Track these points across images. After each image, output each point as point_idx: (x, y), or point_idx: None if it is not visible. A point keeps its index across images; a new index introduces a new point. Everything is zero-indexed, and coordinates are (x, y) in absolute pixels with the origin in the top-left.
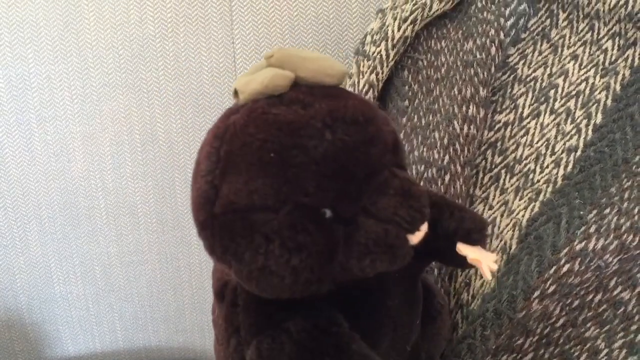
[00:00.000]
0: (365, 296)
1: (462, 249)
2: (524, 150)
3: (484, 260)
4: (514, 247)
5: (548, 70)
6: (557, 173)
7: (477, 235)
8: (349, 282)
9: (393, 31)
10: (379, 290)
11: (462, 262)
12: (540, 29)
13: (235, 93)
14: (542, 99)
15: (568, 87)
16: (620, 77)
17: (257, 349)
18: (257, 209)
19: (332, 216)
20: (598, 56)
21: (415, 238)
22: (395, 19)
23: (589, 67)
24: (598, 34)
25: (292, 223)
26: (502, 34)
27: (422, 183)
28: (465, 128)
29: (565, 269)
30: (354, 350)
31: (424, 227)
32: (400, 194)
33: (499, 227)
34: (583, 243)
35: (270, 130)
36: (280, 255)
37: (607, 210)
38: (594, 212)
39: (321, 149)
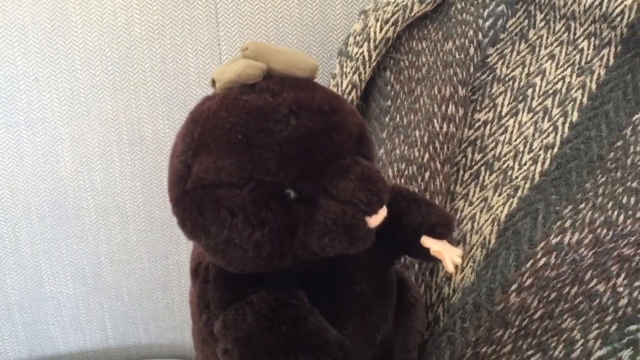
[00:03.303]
0: (330, 278)
1: (426, 241)
2: (502, 148)
3: (446, 253)
4: (492, 241)
5: (526, 69)
6: (534, 170)
7: (442, 229)
8: (314, 262)
9: (375, 32)
10: (344, 273)
11: (427, 255)
12: (518, 29)
13: (213, 82)
14: (520, 97)
15: (545, 86)
16: (595, 76)
17: (222, 321)
18: (224, 185)
19: (295, 197)
20: (574, 56)
21: (373, 221)
22: (377, 20)
23: (565, 67)
24: (574, 34)
25: (255, 199)
26: (480, 35)
27: (402, 180)
28: (445, 126)
29: (541, 262)
30: (311, 322)
31: (383, 212)
32: (360, 178)
33: (478, 223)
34: (559, 237)
35: (239, 115)
36: (243, 229)
37: (582, 205)
38: (570, 207)
39: (285, 133)
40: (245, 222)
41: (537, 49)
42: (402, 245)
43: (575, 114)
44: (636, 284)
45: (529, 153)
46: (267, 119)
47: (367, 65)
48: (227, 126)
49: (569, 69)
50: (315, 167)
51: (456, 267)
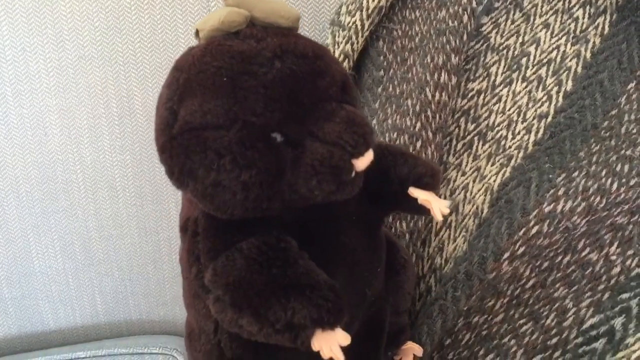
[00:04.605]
0: (318, 229)
1: (414, 191)
2: (496, 118)
3: (434, 203)
4: (485, 211)
5: (520, 38)
6: (528, 139)
7: (428, 179)
8: (302, 210)
9: (368, 1)
10: (332, 225)
11: (415, 207)
12: None
13: (197, 33)
14: (515, 67)
15: (540, 55)
16: (590, 44)
17: (212, 269)
18: (210, 128)
19: (282, 140)
20: (569, 24)
21: (360, 163)
22: None
23: (560, 36)
24: (569, 2)
25: (242, 140)
26: (474, 2)
27: None
28: (437, 95)
29: (534, 230)
30: (301, 264)
31: (369, 155)
32: (346, 121)
33: (471, 193)
34: (552, 205)
35: (224, 59)
36: (231, 170)
37: (576, 174)
38: (563, 175)
39: (270, 75)
40: (233, 163)
41: (531, 18)
42: (391, 199)
43: (570, 83)
44: (629, 252)
45: (522, 122)
46: (251, 62)
47: (360, 34)
48: (212, 70)
49: (564, 38)
50: (301, 109)
51: (444, 217)
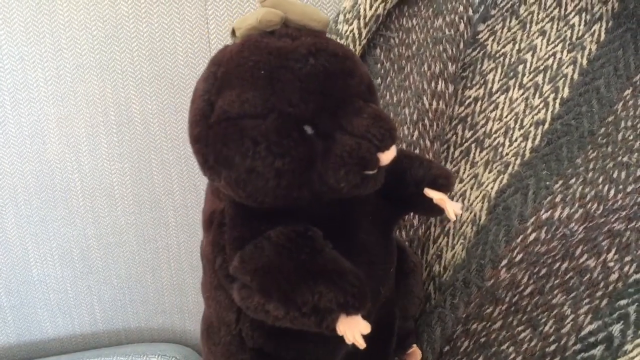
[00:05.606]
0: (340, 224)
1: (429, 192)
2: (493, 125)
3: (448, 203)
4: (483, 218)
5: (517, 46)
6: (525, 146)
7: (443, 180)
8: (326, 205)
9: (365, 9)
10: (353, 221)
11: (430, 206)
12: (509, 5)
13: (233, 32)
14: (511, 74)
15: (536, 62)
16: (586, 51)
17: (240, 257)
18: (247, 117)
19: (313, 133)
20: (565, 31)
21: (385, 157)
22: None
23: (556, 43)
24: (565, 9)
25: (277, 128)
26: (470, 11)
27: None
28: (434, 103)
29: (532, 237)
30: (327, 252)
31: (393, 150)
32: (373, 117)
33: (469, 200)
34: (549, 212)
35: (261, 54)
36: (266, 157)
37: (573, 180)
38: (560, 182)
39: (305, 70)
40: (268, 150)
41: (528, 25)
42: (407, 200)
43: (566, 90)
44: (627, 258)
45: (519, 129)
46: (287, 57)
47: (357, 43)
48: (250, 64)
49: (560, 45)
50: (333, 103)
51: (456, 216)
